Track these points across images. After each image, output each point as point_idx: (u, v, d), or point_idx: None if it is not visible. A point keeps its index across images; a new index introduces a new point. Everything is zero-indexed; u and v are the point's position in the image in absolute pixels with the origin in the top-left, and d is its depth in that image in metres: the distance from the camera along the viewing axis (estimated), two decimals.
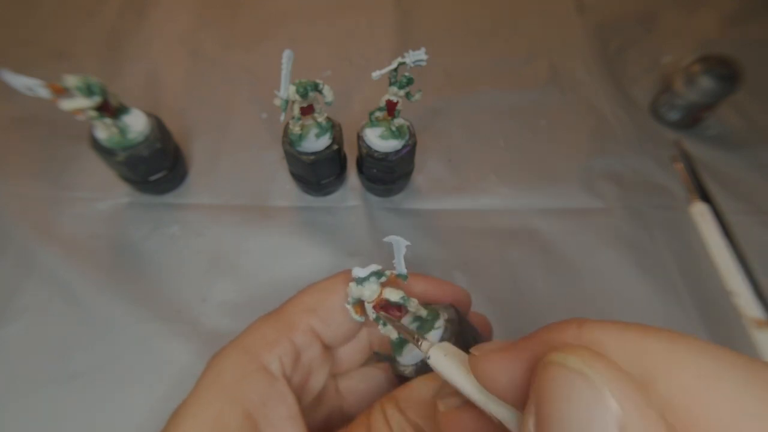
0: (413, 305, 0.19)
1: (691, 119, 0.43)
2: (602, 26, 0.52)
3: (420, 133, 0.35)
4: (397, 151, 0.33)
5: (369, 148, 0.33)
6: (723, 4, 0.54)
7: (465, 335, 0.20)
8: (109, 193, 0.38)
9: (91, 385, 0.30)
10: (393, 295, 0.18)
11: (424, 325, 0.19)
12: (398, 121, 0.33)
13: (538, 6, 0.54)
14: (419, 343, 0.16)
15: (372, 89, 0.46)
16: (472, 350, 0.13)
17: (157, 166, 0.35)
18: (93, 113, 0.30)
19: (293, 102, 0.29)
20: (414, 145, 0.34)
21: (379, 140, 0.33)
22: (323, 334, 0.20)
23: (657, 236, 0.37)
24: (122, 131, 0.32)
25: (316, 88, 0.29)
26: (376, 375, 0.23)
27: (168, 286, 0.34)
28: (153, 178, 0.36)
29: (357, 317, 0.19)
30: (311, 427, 0.18)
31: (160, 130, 0.34)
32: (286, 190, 0.39)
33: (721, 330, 0.33)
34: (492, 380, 0.12)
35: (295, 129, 0.32)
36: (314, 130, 0.32)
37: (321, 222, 0.38)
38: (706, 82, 0.39)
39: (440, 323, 0.20)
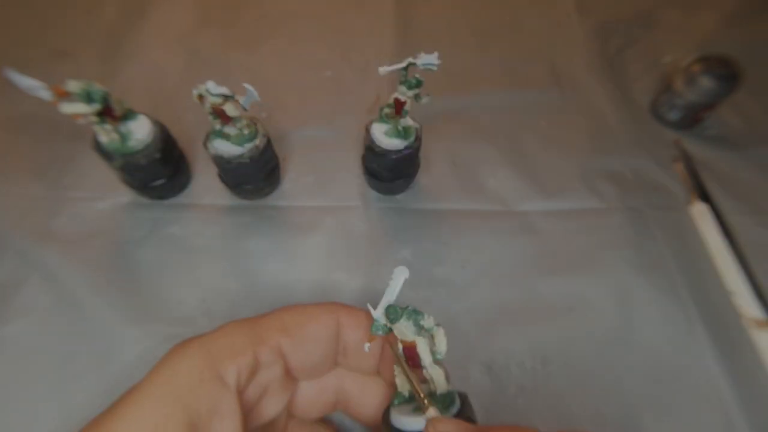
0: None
1: (691, 119, 0.43)
2: (602, 26, 0.52)
3: (422, 133, 0.35)
4: (399, 151, 0.33)
5: (372, 141, 0.33)
6: (723, 4, 0.54)
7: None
8: (109, 193, 0.38)
9: (90, 384, 0.30)
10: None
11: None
12: (406, 121, 0.32)
13: (538, 6, 0.54)
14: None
15: (372, 89, 0.46)
16: None
17: (155, 174, 0.35)
18: (94, 118, 0.30)
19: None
20: (417, 149, 0.34)
21: (383, 137, 0.33)
22: (289, 356, 0.19)
23: (657, 236, 0.37)
24: (123, 137, 0.32)
25: None
26: None
27: (167, 285, 0.34)
28: (153, 184, 0.36)
29: (367, 345, 0.18)
30: None
31: (163, 139, 0.34)
32: (285, 190, 0.39)
33: (720, 330, 0.33)
34: None
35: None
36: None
37: (321, 222, 0.38)
38: (706, 82, 0.39)
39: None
